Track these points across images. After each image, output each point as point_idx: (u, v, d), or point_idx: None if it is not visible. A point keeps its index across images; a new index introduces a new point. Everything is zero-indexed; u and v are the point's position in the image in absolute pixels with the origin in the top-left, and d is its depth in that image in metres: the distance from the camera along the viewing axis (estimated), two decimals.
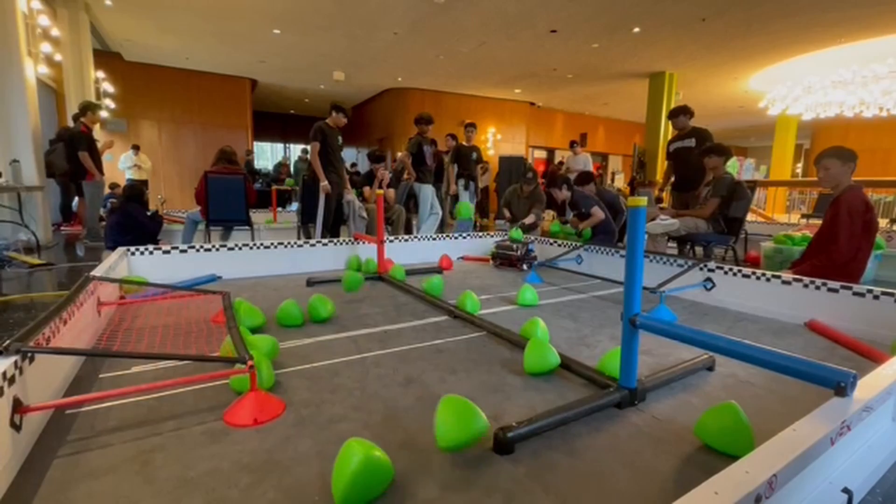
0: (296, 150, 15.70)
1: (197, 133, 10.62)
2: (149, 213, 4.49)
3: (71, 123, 5.84)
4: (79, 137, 5.25)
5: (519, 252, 3.71)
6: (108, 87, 8.45)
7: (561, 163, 10.56)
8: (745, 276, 2.58)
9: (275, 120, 15.46)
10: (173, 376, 1.46)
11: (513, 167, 9.39)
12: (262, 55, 9.02)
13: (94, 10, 7.08)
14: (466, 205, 5.15)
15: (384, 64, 9.37)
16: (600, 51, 8.13)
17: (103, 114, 7.30)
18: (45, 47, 5.64)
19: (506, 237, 4.19)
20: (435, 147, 5.80)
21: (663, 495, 0.97)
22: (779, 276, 2.43)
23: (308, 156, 4.76)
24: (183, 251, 3.15)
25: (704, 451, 1.15)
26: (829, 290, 2.24)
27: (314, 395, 1.41)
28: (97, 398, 1.32)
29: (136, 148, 8.57)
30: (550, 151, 14.20)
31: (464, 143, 5.88)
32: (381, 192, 3.39)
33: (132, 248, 3.02)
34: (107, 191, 6.64)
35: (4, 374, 1.00)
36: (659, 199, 6.97)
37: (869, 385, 1.07)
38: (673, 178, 4.50)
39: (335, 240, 3.73)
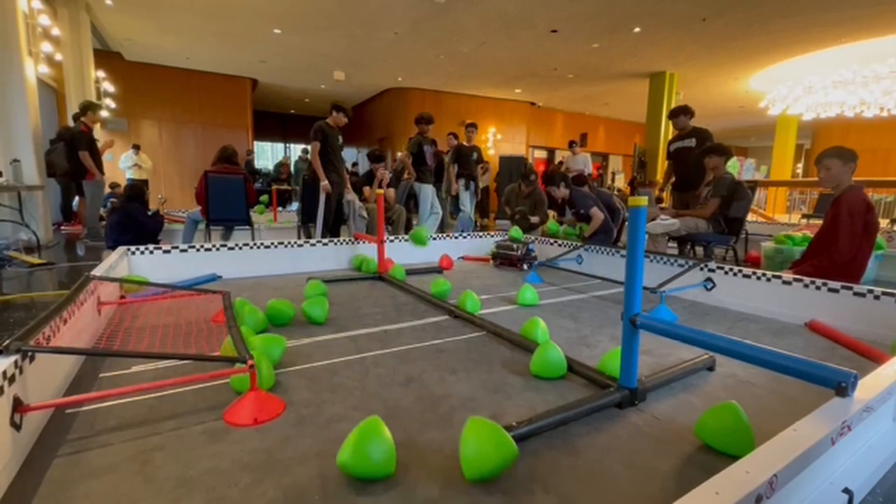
0: (296, 149, 15.70)
1: (197, 133, 10.62)
2: (149, 213, 4.49)
3: (71, 123, 5.84)
4: (79, 137, 5.26)
5: (519, 252, 3.71)
6: (108, 86, 8.46)
7: (561, 163, 10.56)
8: (745, 276, 2.57)
9: (275, 120, 15.47)
10: (173, 376, 1.46)
11: (513, 167, 9.40)
12: (262, 55, 9.03)
13: (94, 10, 7.08)
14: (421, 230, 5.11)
15: (384, 64, 9.37)
16: (601, 51, 8.13)
17: (104, 113, 7.31)
18: (46, 47, 5.65)
19: (506, 237, 4.18)
20: (435, 147, 5.79)
21: (664, 495, 0.97)
22: (779, 277, 2.43)
23: (308, 155, 4.76)
24: (183, 251, 3.15)
25: (705, 451, 1.15)
26: (830, 290, 2.24)
27: (314, 394, 1.41)
28: (97, 398, 1.32)
29: (136, 147, 8.57)
30: (551, 151, 14.20)
31: (464, 143, 5.88)
32: (382, 191, 3.39)
33: (132, 248, 3.02)
34: (107, 190, 6.64)
35: (5, 373, 1.00)
36: (659, 199, 6.97)
37: (869, 385, 1.06)
38: (673, 178, 4.49)
39: (335, 239, 3.73)
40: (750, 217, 5.19)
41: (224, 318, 1.92)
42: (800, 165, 16.46)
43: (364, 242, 3.73)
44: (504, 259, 3.82)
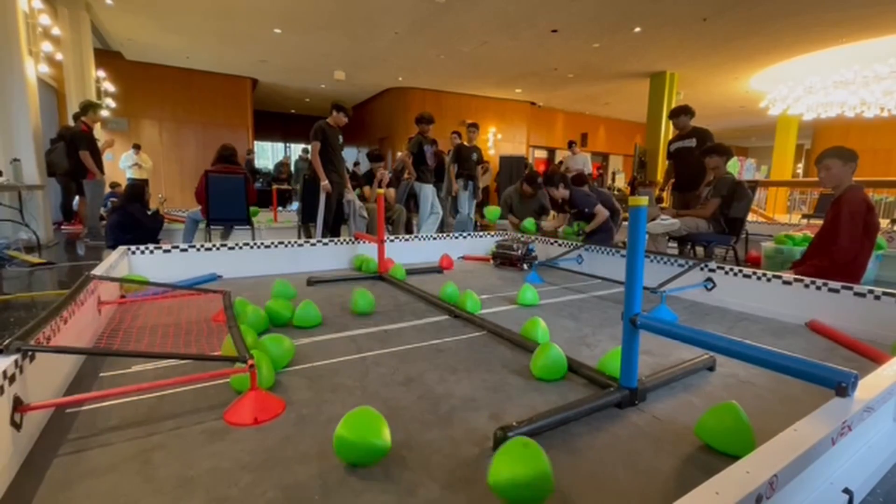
0: (296, 149, 15.71)
1: (198, 132, 10.63)
2: (149, 213, 4.50)
3: (72, 122, 5.84)
4: (79, 136, 5.26)
5: (519, 252, 3.71)
6: (108, 86, 8.46)
7: (560, 162, 10.56)
8: (745, 276, 2.57)
9: (275, 119, 15.47)
10: (173, 375, 1.46)
11: (513, 167, 9.40)
12: (262, 55, 9.03)
13: (95, 10, 7.08)
14: (496, 210, 5.07)
15: (385, 63, 9.37)
16: (601, 50, 8.13)
17: (104, 113, 7.32)
18: (46, 46, 5.65)
19: (506, 237, 4.18)
20: (436, 147, 5.80)
21: (664, 495, 0.97)
22: (780, 277, 2.43)
23: (309, 155, 4.76)
24: (183, 250, 3.16)
25: (705, 451, 1.15)
26: (830, 290, 2.24)
27: (314, 394, 1.41)
28: (97, 397, 1.32)
29: (136, 147, 8.57)
30: (551, 151, 14.20)
31: (465, 143, 5.88)
32: (382, 191, 3.39)
33: (133, 248, 3.02)
34: (107, 190, 6.65)
35: (5, 372, 1.00)
36: (660, 199, 6.97)
37: (870, 385, 1.06)
38: (673, 179, 4.49)
39: (336, 239, 3.73)
40: (750, 217, 5.19)
41: (224, 317, 1.92)
42: (800, 165, 16.45)
43: (364, 242, 3.73)
44: (504, 259, 3.82)
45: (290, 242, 3.48)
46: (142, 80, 9.84)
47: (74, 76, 6.95)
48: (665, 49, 7.97)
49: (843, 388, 1.00)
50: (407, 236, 4.16)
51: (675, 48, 7.91)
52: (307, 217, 4.79)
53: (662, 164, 9.06)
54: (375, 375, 1.56)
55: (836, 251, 2.51)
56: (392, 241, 3.89)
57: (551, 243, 4.05)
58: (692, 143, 4.19)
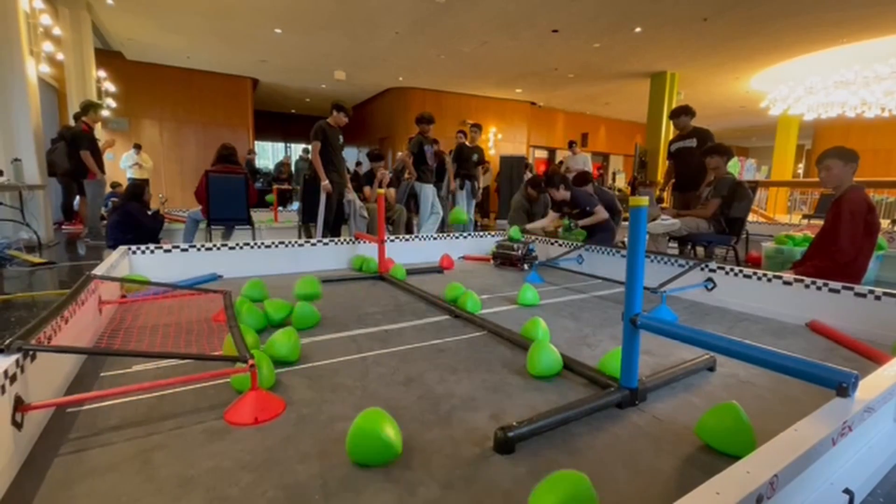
0: (297, 149, 15.71)
1: (198, 132, 10.63)
2: (149, 213, 4.50)
3: (72, 122, 5.84)
4: (80, 136, 5.26)
5: (520, 252, 3.71)
6: (109, 86, 8.46)
7: (561, 162, 10.57)
8: (746, 276, 2.57)
9: (276, 119, 15.47)
10: (174, 375, 1.47)
11: (513, 167, 9.41)
12: (263, 54, 9.03)
13: (95, 10, 7.09)
14: (460, 211, 5.04)
15: (385, 63, 9.37)
16: (601, 50, 8.13)
17: (105, 113, 7.32)
18: (47, 46, 5.65)
19: (507, 237, 4.18)
20: (436, 146, 5.80)
21: (664, 495, 0.97)
22: (780, 277, 2.43)
23: (309, 155, 4.76)
24: (184, 250, 3.16)
25: (705, 451, 1.15)
26: (831, 290, 2.24)
27: (315, 394, 1.41)
28: (98, 397, 1.32)
29: (137, 147, 8.58)
30: (551, 151, 14.19)
31: (467, 143, 5.89)
32: (383, 191, 3.39)
33: (133, 247, 3.02)
34: (108, 190, 6.65)
35: (6, 372, 1.00)
36: (660, 199, 6.97)
37: (870, 386, 1.06)
38: (674, 179, 4.49)
39: (336, 239, 3.73)
40: (750, 217, 5.19)
41: (225, 317, 1.92)
42: (801, 166, 16.44)
43: (365, 242, 3.73)
44: (505, 259, 3.82)
45: (290, 242, 3.48)
46: (142, 79, 9.84)
47: (75, 76, 6.96)
48: (665, 49, 7.97)
49: (843, 388, 1.00)
50: (407, 236, 4.16)
51: (675, 48, 7.90)
52: (307, 217, 4.79)
53: (663, 164, 9.06)
54: (376, 375, 1.56)
55: (837, 251, 2.51)
56: (392, 241, 3.89)
57: (551, 243, 4.05)
58: (693, 143, 4.19)
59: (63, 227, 6.36)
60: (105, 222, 5.20)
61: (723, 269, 2.69)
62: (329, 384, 1.48)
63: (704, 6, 6.15)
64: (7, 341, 1.09)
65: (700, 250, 3.98)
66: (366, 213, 4.93)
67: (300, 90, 12.25)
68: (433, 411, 1.31)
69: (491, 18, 6.83)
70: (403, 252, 3.86)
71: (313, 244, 3.58)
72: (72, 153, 5.34)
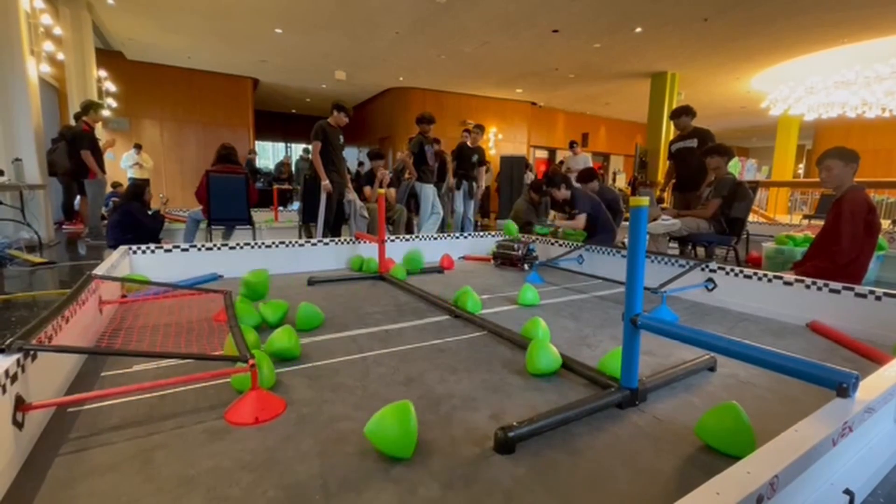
0: (297, 149, 15.71)
1: (199, 132, 10.63)
2: (149, 213, 4.50)
3: (73, 122, 5.85)
4: (81, 136, 5.26)
5: (520, 252, 3.71)
6: (110, 85, 8.46)
7: (561, 162, 10.56)
8: (746, 276, 2.57)
9: (276, 119, 15.47)
10: (174, 375, 1.47)
11: (514, 167, 9.41)
12: (263, 54, 9.03)
13: (96, 9, 7.09)
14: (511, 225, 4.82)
15: (386, 63, 9.37)
16: (602, 51, 8.13)
17: (105, 113, 7.32)
18: (48, 46, 5.65)
19: (507, 237, 4.18)
20: (437, 146, 5.80)
21: (664, 495, 0.97)
22: (780, 277, 2.43)
23: (310, 155, 4.76)
24: (184, 250, 3.16)
25: (706, 451, 1.15)
26: (831, 291, 2.24)
27: (315, 394, 1.41)
28: (99, 396, 1.32)
29: (138, 147, 8.58)
30: (552, 151, 14.19)
31: (468, 143, 5.89)
32: (383, 191, 3.39)
33: (134, 247, 3.02)
34: (109, 189, 6.65)
35: (7, 371, 1.00)
36: (660, 200, 6.97)
37: (871, 386, 1.06)
38: (674, 179, 4.49)
39: (336, 239, 3.73)
40: (751, 217, 5.19)
41: (225, 317, 1.92)
42: (801, 166, 16.43)
43: (365, 242, 3.73)
44: (505, 259, 3.82)
45: (290, 242, 3.48)
46: (143, 79, 9.85)
47: (76, 76, 6.96)
48: (666, 49, 7.97)
49: (843, 388, 1.00)
50: (408, 236, 4.16)
51: (675, 48, 7.90)
52: (308, 217, 4.79)
53: (663, 164, 9.05)
54: (376, 375, 1.56)
55: (837, 252, 2.51)
56: (393, 241, 3.89)
57: (552, 243, 4.05)
58: (693, 143, 4.19)
59: (63, 226, 6.36)
60: (105, 222, 5.20)
61: (723, 269, 2.68)
62: (329, 384, 1.48)
63: (705, 6, 6.15)
64: (8, 341, 1.09)
65: (700, 251, 3.98)
66: (366, 213, 4.93)
67: (300, 90, 12.25)
68: (433, 411, 1.31)
69: (491, 18, 6.83)
70: (404, 252, 3.86)
71: (313, 244, 3.58)
72: (72, 153, 5.34)
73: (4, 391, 0.98)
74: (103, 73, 8.11)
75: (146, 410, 1.29)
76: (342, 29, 7.44)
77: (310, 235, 4.86)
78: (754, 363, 1.19)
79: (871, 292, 2.11)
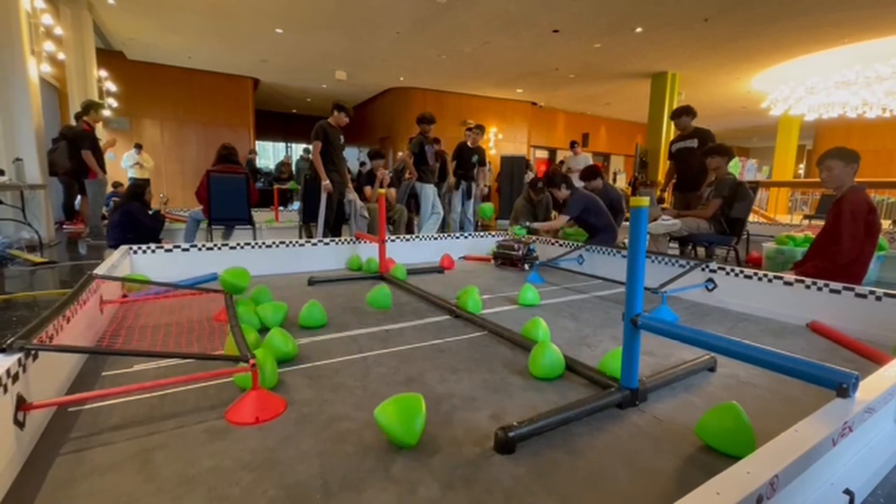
0: (298, 149, 15.71)
1: (199, 132, 10.64)
2: (150, 213, 4.50)
3: (73, 122, 5.85)
4: (81, 136, 5.27)
5: (520, 252, 3.71)
6: (110, 85, 8.47)
7: (562, 162, 10.56)
8: (746, 276, 2.57)
9: (277, 119, 15.48)
10: (175, 375, 1.47)
11: (514, 167, 9.41)
12: (264, 54, 9.04)
13: (97, 9, 7.09)
14: (489, 206, 4.90)
15: (386, 63, 9.37)
16: (602, 51, 8.13)
17: (106, 112, 7.32)
18: (49, 46, 5.65)
19: (507, 237, 4.18)
20: (437, 146, 5.79)
21: (664, 495, 0.97)
22: (781, 277, 2.43)
23: (310, 155, 4.77)
24: (185, 250, 3.16)
25: (706, 451, 1.15)
26: (832, 291, 2.24)
27: (316, 393, 1.41)
28: (100, 396, 1.32)
29: (138, 147, 8.59)
30: (552, 151, 14.19)
31: (468, 143, 5.88)
32: (384, 191, 3.39)
33: (134, 247, 3.02)
34: (109, 189, 6.66)
35: (8, 371, 1.00)
36: (661, 200, 6.97)
37: (871, 386, 1.06)
38: (675, 179, 4.49)
39: (337, 239, 3.73)
40: (751, 218, 5.18)
41: (226, 317, 1.92)
42: (802, 166, 16.43)
43: (365, 242, 3.73)
44: (505, 259, 3.82)
45: (291, 242, 3.48)
46: (143, 79, 9.85)
47: (76, 76, 6.96)
48: (666, 49, 7.97)
49: (844, 388, 1.00)
50: (408, 236, 4.16)
51: (676, 48, 7.90)
52: (308, 217, 4.79)
53: (664, 164, 9.05)
54: (376, 375, 1.56)
55: (837, 252, 2.51)
56: (393, 241, 3.90)
57: (552, 244, 4.05)
58: (694, 143, 4.19)
59: (64, 226, 6.37)
60: (106, 222, 5.20)
61: (723, 269, 2.68)
62: (330, 384, 1.48)
63: (705, 7, 6.15)
64: (9, 340, 1.10)
65: (701, 251, 3.98)
66: (366, 214, 4.93)
67: (301, 90, 12.26)
68: (434, 411, 1.32)
69: (492, 18, 6.83)
70: (404, 252, 3.87)
71: (314, 244, 3.58)
72: (73, 153, 5.35)
73: (6, 391, 0.98)
74: (104, 73, 8.11)
75: (147, 410, 1.30)
76: (343, 29, 7.44)
77: (310, 235, 4.86)
78: (754, 363, 1.19)
79: (872, 292, 2.11)
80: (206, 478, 1.00)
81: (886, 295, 2.06)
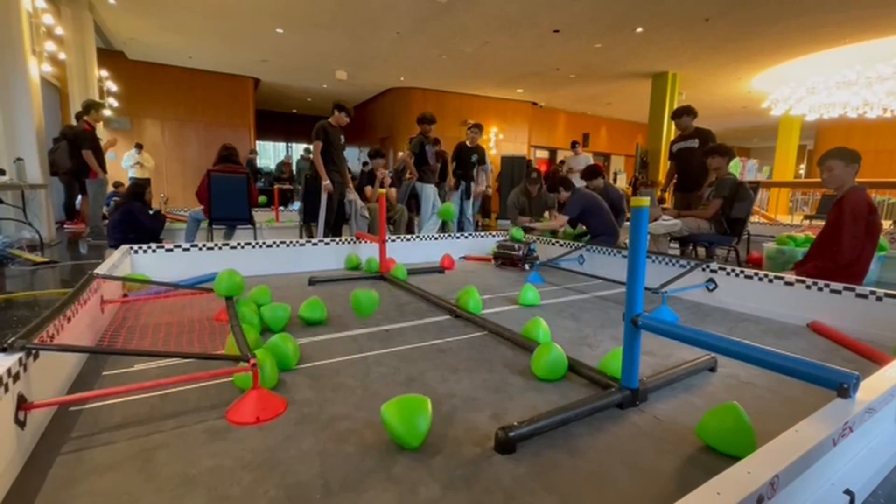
0: (298, 149, 15.71)
1: (200, 132, 10.64)
2: (150, 213, 4.50)
3: (74, 122, 5.86)
4: (82, 136, 5.27)
5: (521, 252, 3.71)
6: (111, 85, 8.48)
7: (562, 162, 10.55)
8: (747, 276, 2.57)
9: (277, 119, 15.48)
10: (176, 374, 1.46)
11: (515, 167, 9.40)
12: (264, 54, 9.04)
13: (97, 9, 7.10)
14: (449, 206, 4.82)
15: (387, 63, 9.37)
16: (603, 51, 8.12)
17: (106, 112, 7.33)
18: (49, 46, 5.66)
19: (508, 237, 4.18)
20: (438, 146, 5.79)
21: (665, 496, 0.97)
22: (781, 278, 2.43)
23: (310, 155, 4.77)
24: (185, 249, 3.16)
25: (706, 451, 1.15)
26: (832, 291, 2.24)
27: (316, 393, 1.41)
28: (100, 395, 1.32)
29: (139, 146, 8.60)
30: (552, 151, 14.18)
31: (466, 143, 5.87)
32: (384, 191, 3.39)
33: (135, 246, 3.03)
34: (110, 189, 6.66)
35: (9, 370, 1.00)
36: (661, 200, 6.97)
37: (871, 387, 1.06)
38: (675, 179, 4.49)
39: (337, 239, 3.73)
40: (752, 218, 5.18)
41: (226, 316, 1.92)
42: (802, 166, 16.42)
43: (366, 242, 3.73)
44: (506, 259, 3.82)
45: (291, 242, 3.48)
46: (144, 79, 9.86)
47: (77, 76, 6.97)
48: (667, 49, 7.96)
49: (844, 389, 1.00)
50: (408, 236, 4.16)
51: (677, 48, 7.89)
52: (309, 217, 4.79)
53: (664, 164, 9.04)
54: (377, 375, 1.56)
55: (838, 252, 2.51)
56: (393, 241, 3.90)
57: (552, 244, 4.05)
58: (694, 143, 4.19)
59: (65, 226, 6.38)
60: (107, 221, 5.21)
61: (724, 269, 2.68)
62: (330, 384, 1.49)
63: (706, 7, 6.14)
64: (10, 340, 1.10)
65: (701, 251, 3.98)
66: (367, 213, 4.93)
67: (302, 90, 12.26)
68: (434, 411, 1.31)
69: (492, 18, 6.83)
70: (404, 252, 3.87)
71: (314, 244, 3.58)
72: (74, 152, 5.35)
73: (7, 390, 0.98)
74: (104, 73, 8.12)
75: (147, 410, 1.30)
76: (343, 29, 7.45)
77: (311, 235, 4.86)
78: (755, 363, 1.19)
79: (872, 293, 2.11)
80: (207, 477, 1.00)
81: (887, 295, 2.06)
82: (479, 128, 5.91)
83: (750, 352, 1.18)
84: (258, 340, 1.71)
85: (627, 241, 1.37)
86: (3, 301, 2.58)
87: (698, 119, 4.31)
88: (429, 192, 5.46)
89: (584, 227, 4.36)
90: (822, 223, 2.91)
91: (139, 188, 4.50)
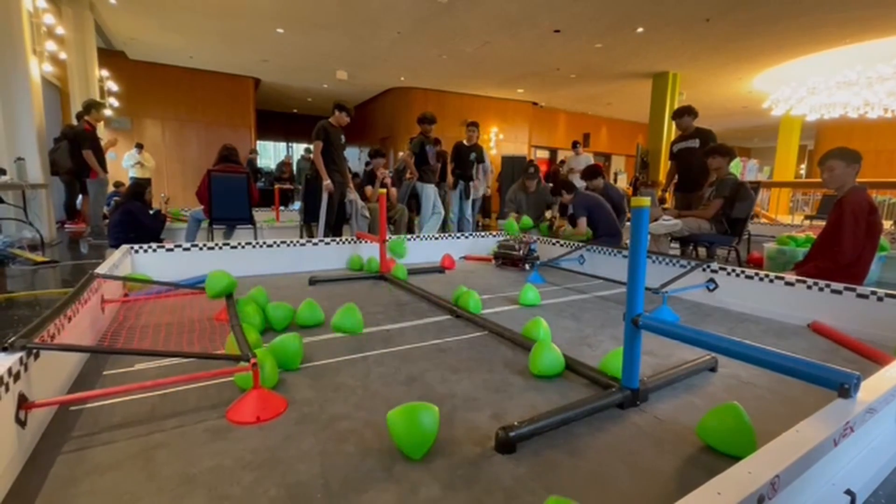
0: (299, 149, 15.72)
1: (200, 132, 10.64)
2: (150, 213, 4.51)
3: (75, 122, 5.86)
4: (82, 136, 5.28)
5: (521, 252, 3.71)
6: (112, 85, 8.48)
7: (562, 162, 10.54)
8: (747, 277, 2.57)
9: (278, 119, 15.48)
10: (176, 374, 1.47)
11: (515, 167, 9.40)
12: (265, 54, 9.04)
13: (98, 9, 7.10)
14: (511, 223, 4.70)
15: (387, 63, 9.37)
16: (603, 51, 8.12)
17: (107, 112, 7.33)
18: (50, 46, 5.66)
19: (508, 237, 4.18)
20: (438, 146, 5.79)
21: (665, 495, 0.97)
22: (782, 278, 2.42)
23: (311, 155, 4.77)
24: (186, 249, 3.17)
25: (707, 451, 1.15)
26: (833, 291, 2.23)
27: (316, 393, 1.41)
28: (101, 395, 1.32)
29: (139, 146, 8.60)
30: (553, 151, 14.18)
31: (464, 142, 5.87)
32: (384, 191, 3.39)
33: (136, 246, 3.03)
34: (111, 189, 6.67)
35: (10, 370, 1.00)
36: (662, 200, 6.96)
37: (872, 387, 1.06)
38: (676, 179, 4.48)
39: (337, 239, 3.74)
40: (755, 219, 5.17)
41: (226, 316, 1.92)
42: (803, 166, 16.40)
43: (366, 242, 3.73)
44: (506, 259, 3.82)
45: (292, 242, 3.48)
46: (145, 79, 9.86)
47: (78, 75, 6.97)
48: (667, 49, 7.96)
49: (845, 389, 1.00)
50: (409, 236, 4.16)
51: (677, 49, 7.89)
52: (309, 216, 4.80)
53: (665, 164, 9.03)
54: (377, 375, 1.56)
55: (839, 252, 2.51)
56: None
57: (553, 243, 4.05)
58: (695, 143, 4.19)
59: (65, 225, 6.38)
60: (107, 221, 5.21)
61: (724, 269, 2.68)
62: (331, 383, 1.49)
63: (706, 7, 6.14)
64: (11, 339, 1.10)
65: (702, 251, 3.98)
66: (367, 213, 4.93)
67: (302, 90, 12.26)
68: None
69: (493, 18, 6.83)
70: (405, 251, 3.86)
71: (315, 244, 3.58)
72: (74, 152, 5.35)
73: (7, 389, 0.98)
74: (105, 73, 8.12)
75: (148, 409, 1.30)
76: (343, 29, 7.45)
77: (311, 235, 4.86)
78: (755, 363, 1.19)
79: (873, 293, 2.10)
80: (207, 477, 1.00)
81: (888, 295, 2.06)
82: (475, 126, 5.89)
83: (750, 352, 1.18)
84: (258, 340, 1.71)
85: (628, 241, 1.37)
86: (4, 300, 2.58)
87: (699, 119, 4.31)
88: (429, 191, 5.46)
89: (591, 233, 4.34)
90: (823, 223, 2.90)
91: (139, 188, 4.51)
